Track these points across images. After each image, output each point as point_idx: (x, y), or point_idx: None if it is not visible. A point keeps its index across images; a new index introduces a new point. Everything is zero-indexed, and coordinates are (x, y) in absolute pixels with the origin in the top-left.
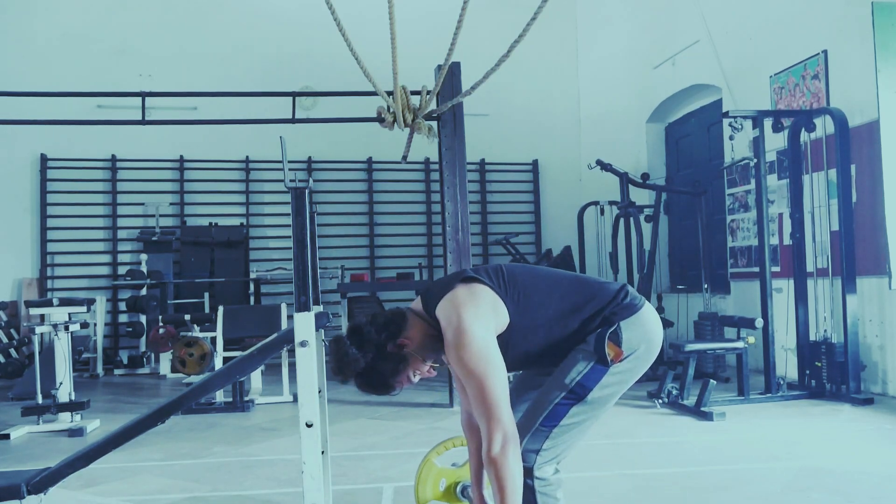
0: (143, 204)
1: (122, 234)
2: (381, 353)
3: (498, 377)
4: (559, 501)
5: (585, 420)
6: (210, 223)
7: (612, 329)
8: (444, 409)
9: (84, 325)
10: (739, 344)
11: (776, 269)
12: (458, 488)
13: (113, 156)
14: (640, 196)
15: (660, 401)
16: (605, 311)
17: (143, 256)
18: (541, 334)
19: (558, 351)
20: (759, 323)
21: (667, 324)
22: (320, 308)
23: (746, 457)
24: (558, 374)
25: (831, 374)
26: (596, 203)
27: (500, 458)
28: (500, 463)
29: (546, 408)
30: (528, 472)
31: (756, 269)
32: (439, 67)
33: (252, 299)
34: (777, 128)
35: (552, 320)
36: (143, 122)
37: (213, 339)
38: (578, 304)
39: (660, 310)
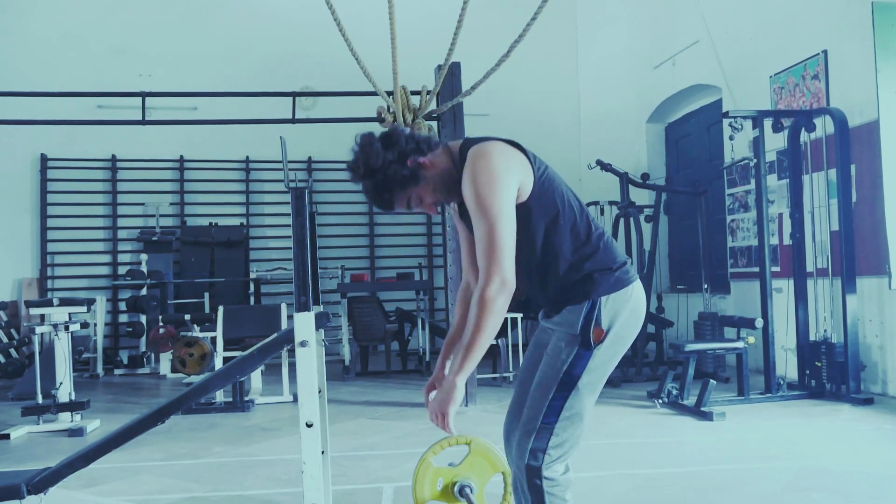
0: (143, 204)
1: (122, 234)
2: (400, 161)
3: (508, 227)
4: (567, 503)
5: (583, 409)
6: (210, 223)
7: (594, 307)
8: None
9: (84, 325)
10: (739, 344)
11: (776, 269)
12: (456, 488)
13: (113, 156)
14: (640, 196)
15: (660, 401)
16: (596, 271)
17: (143, 256)
18: (537, 240)
19: (537, 269)
20: (759, 323)
21: (667, 324)
22: (320, 308)
23: (746, 457)
24: (545, 368)
25: (831, 374)
26: (596, 203)
27: (492, 299)
28: (490, 303)
29: (543, 405)
30: (537, 472)
31: (756, 269)
32: (439, 67)
33: (252, 299)
34: (777, 128)
35: (554, 235)
36: (143, 122)
37: (213, 339)
38: (582, 246)
39: (660, 310)
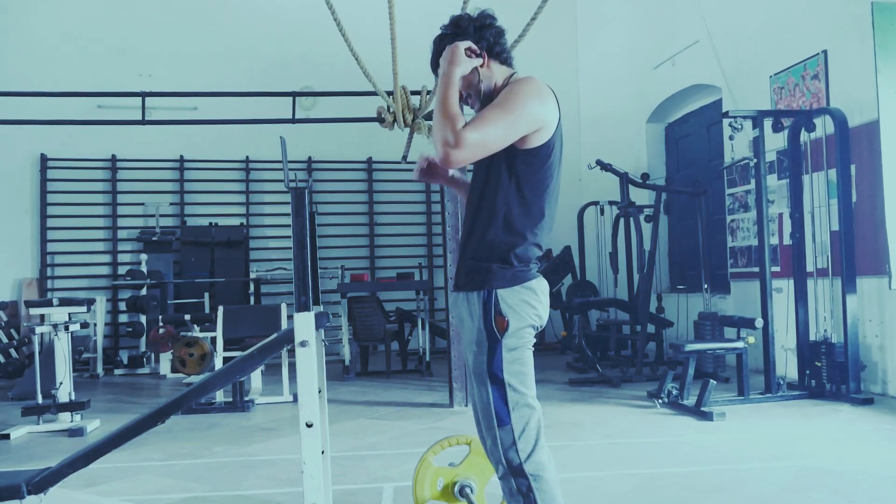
0: (143, 204)
1: (122, 234)
2: (461, 36)
3: (507, 127)
4: (559, 500)
5: (525, 396)
6: (210, 223)
7: (492, 297)
8: (444, 409)
9: (84, 325)
10: (739, 344)
11: (776, 269)
12: (456, 488)
13: (113, 156)
14: (640, 196)
15: (660, 401)
16: (509, 253)
17: (143, 256)
18: (494, 185)
19: (474, 209)
20: (759, 323)
21: (667, 324)
22: (320, 308)
23: (746, 457)
24: (472, 374)
25: (831, 374)
26: (596, 203)
27: (460, 142)
28: (458, 140)
29: (490, 413)
30: (520, 471)
31: (756, 269)
32: None
33: (252, 299)
34: (777, 128)
35: (511, 195)
36: (143, 122)
37: (213, 339)
38: (519, 221)
39: (660, 310)
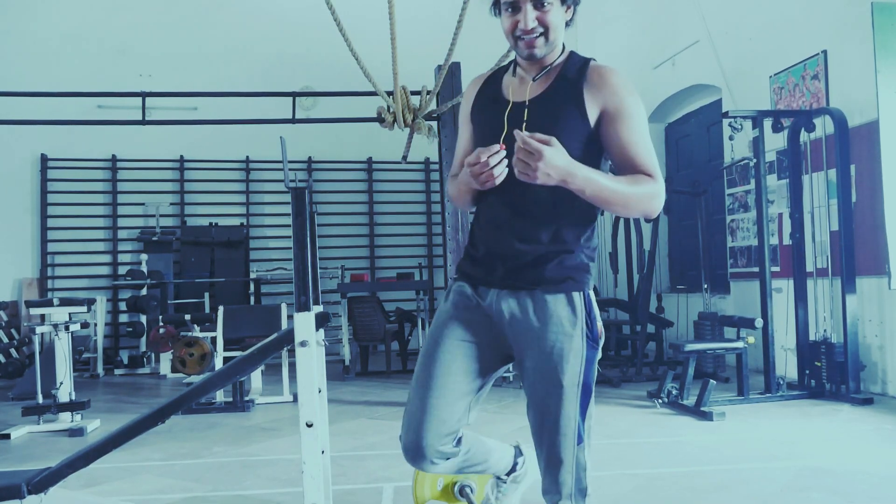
0: (143, 204)
1: (122, 234)
2: None
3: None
4: None
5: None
6: (210, 223)
7: (589, 300)
8: None
9: (84, 325)
10: (739, 344)
11: (776, 269)
12: (456, 488)
13: (113, 156)
14: None
15: (660, 401)
16: (594, 252)
17: (144, 256)
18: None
19: (552, 203)
20: (759, 323)
21: (667, 324)
22: (320, 308)
23: (746, 457)
24: (552, 385)
25: (831, 374)
26: None
27: (660, 198)
28: (657, 199)
29: (571, 429)
30: (584, 493)
31: (756, 269)
32: (439, 67)
33: (252, 299)
34: (777, 128)
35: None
36: (143, 122)
37: (213, 339)
38: (591, 222)
39: (660, 310)
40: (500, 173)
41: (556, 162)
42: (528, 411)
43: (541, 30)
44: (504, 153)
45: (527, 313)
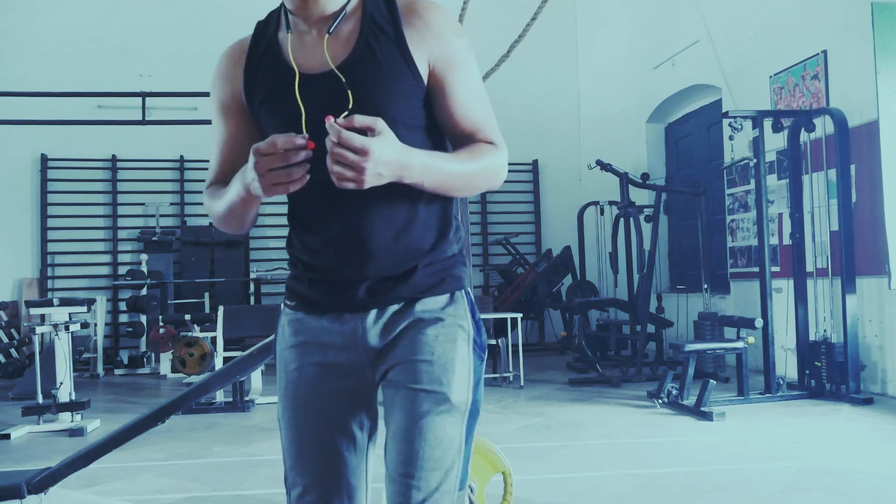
0: (143, 204)
1: (122, 234)
2: None
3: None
4: None
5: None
6: (210, 223)
7: (469, 290)
8: None
9: (84, 325)
10: (739, 344)
11: (776, 269)
12: None
13: (113, 156)
14: (640, 196)
15: (659, 401)
16: (457, 241)
17: (144, 256)
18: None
19: (405, 195)
20: (759, 323)
21: (667, 324)
22: None
23: (746, 457)
24: (439, 404)
25: (831, 374)
26: (596, 203)
27: (503, 169)
28: (500, 171)
29: (455, 463)
30: None
31: (756, 269)
32: None
33: (252, 299)
34: (777, 128)
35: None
36: (143, 122)
37: (213, 339)
38: (448, 201)
39: (660, 310)
40: (300, 178)
41: (386, 156)
42: (389, 447)
43: None
44: (309, 150)
45: (398, 324)
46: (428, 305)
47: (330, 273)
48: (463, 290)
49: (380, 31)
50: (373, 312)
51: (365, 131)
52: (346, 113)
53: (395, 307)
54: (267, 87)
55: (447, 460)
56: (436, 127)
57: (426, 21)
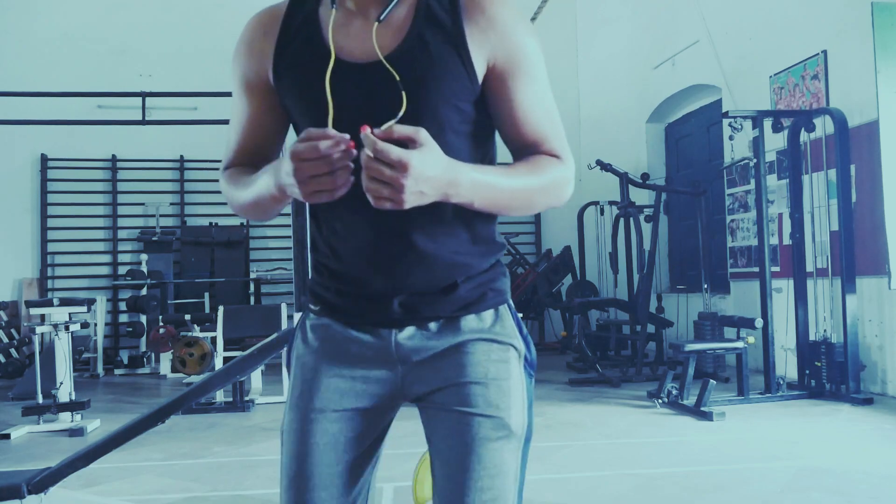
0: (143, 204)
1: (122, 234)
2: None
3: None
4: None
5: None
6: (210, 223)
7: (511, 303)
8: None
9: (84, 325)
10: (739, 344)
11: (776, 269)
12: None
13: (113, 156)
14: (640, 196)
15: (659, 401)
16: (498, 252)
17: (144, 256)
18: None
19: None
20: (759, 323)
21: (667, 324)
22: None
23: (746, 457)
24: (498, 431)
25: (831, 373)
26: (596, 203)
27: (569, 185)
28: (567, 187)
29: (512, 491)
30: None
31: (756, 269)
32: None
33: (252, 299)
34: (777, 128)
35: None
36: (143, 122)
37: (213, 339)
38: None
39: (660, 310)
40: (345, 183)
41: (429, 171)
42: (439, 475)
43: None
44: (353, 151)
45: (442, 343)
46: (473, 324)
47: (359, 285)
48: (506, 304)
49: (435, 22)
50: (410, 328)
51: (405, 143)
52: (399, 114)
53: (435, 324)
54: (299, 68)
55: (505, 490)
56: (485, 134)
57: (490, 16)
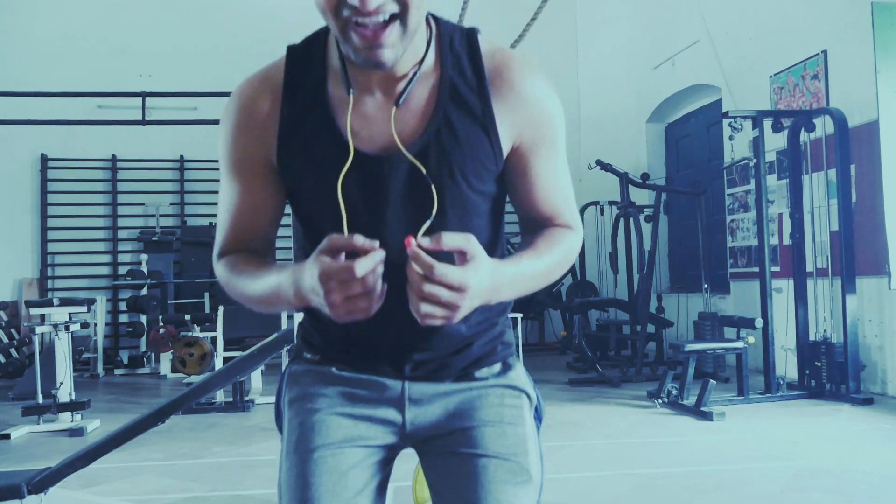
0: (143, 204)
1: (122, 234)
2: None
3: None
4: None
5: None
6: (210, 223)
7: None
8: None
9: (84, 325)
10: (739, 344)
11: (776, 269)
12: None
13: (113, 156)
14: (640, 196)
15: (660, 401)
16: (504, 314)
17: (144, 256)
18: (492, 227)
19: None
20: (759, 323)
21: (667, 324)
22: None
23: (746, 456)
24: (518, 480)
25: (831, 374)
26: (596, 203)
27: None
28: (574, 253)
29: None
30: None
31: (756, 269)
32: None
33: None
34: (777, 128)
35: (500, 228)
36: (143, 122)
37: (213, 339)
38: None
39: (660, 310)
40: (381, 297)
41: (483, 285)
42: None
43: (394, 8)
44: (381, 258)
45: (453, 389)
46: (485, 373)
47: (364, 345)
48: (514, 357)
49: (462, 103)
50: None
51: (452, 254)
52: (430, 219)
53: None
54: (311, 158)
55: None
56: (500, 207)
57: (520, 93)
